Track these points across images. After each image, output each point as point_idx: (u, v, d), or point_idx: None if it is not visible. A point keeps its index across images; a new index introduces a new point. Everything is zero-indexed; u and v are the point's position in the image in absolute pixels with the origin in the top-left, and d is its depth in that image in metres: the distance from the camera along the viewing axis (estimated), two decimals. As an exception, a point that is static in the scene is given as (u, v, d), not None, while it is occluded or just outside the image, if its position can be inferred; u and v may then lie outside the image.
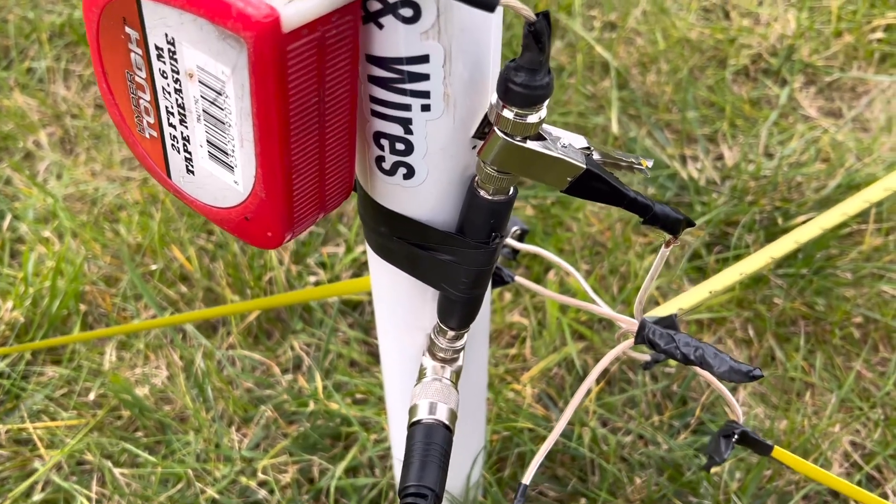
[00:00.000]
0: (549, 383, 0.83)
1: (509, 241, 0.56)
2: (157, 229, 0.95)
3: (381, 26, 0.33)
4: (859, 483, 0.76)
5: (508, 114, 0.35)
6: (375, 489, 0.74)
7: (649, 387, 0.82)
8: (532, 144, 0.36)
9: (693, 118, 1.11)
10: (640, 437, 0.79)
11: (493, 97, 0.35)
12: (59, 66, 1.21)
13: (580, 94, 1.14)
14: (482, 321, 0.53)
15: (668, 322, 0.52)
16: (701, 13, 1.29)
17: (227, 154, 0.35)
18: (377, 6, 0.33)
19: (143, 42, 0.34)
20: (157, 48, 0.34)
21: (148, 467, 0.77)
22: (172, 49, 0.33)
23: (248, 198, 0.36)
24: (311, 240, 0.96)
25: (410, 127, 0.37)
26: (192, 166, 0.38)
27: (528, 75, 0.33)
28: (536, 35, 0.32)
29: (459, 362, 0.48)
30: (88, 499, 0.75)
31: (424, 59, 0.34)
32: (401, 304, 0.48)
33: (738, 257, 0.92)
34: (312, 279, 0.93)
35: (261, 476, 0.76)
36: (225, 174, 0.36)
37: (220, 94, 0.33)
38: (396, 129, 0.37)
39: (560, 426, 0.49)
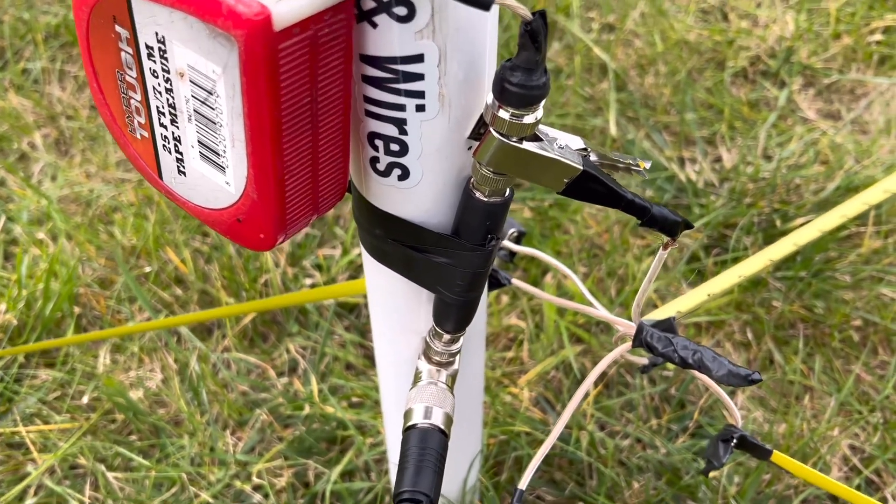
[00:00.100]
0: (546, 387, 0.83)
1: (506, 243, 0.56)
2: (152, 231, 0.94)
3: (374, 25, 0.33)
4: (858, 487, 0.76)
5: (504, 114, 0.34)
6: (371, 493, 0.74)
7: (647, 390, 0.82)
8: (528, 145, 0.35)
9: (691, 120, 1.11)
10: (638, 441, 0.78)
11: (489, 97, 0.35)
12: (54, 67, 1.21)
13: (578, 96, 1.14)
14: (478, 324, 0.52)
15: (667, 325, 0.51)
16: (699, 15, 1.29)
17: (218, 155, 0.35)
18: (371, 4, 0.32)
19: (134, 41, 0.34)
20: (147, 47, 0.33)
21: (142, 471, 0.76)
22: (163, 48, 0.33)
23: (239, 199, 0.35)
24: (308, 242, 0.95)
25: (405, 127, 0.36)
26: (184, 167, 0.37)
27: (524, 75, 0.33)
28: (533, 34, 0.31)
29: (455, 366, 0.47)
30: (81, 503, 0.74)
31: (419, 58, 0.33)
32: (396, 306, 0.48)
33: (736, 260, 0.91)
34: (308, 282, 0.92)
35: (256, 480, 0.75)
36: (216, 175, 0.35)
37: (211, 93, 0.32)
38: (391, 130, 0.36)
39: (557, 429, 0.48)
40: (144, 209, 0.99)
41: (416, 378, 0.47)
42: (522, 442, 0.76)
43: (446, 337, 0.45)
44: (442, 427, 0.43)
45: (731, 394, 0.83)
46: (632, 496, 0.74)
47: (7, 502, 0.74)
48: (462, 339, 0.46)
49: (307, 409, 0.79)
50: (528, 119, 0.34)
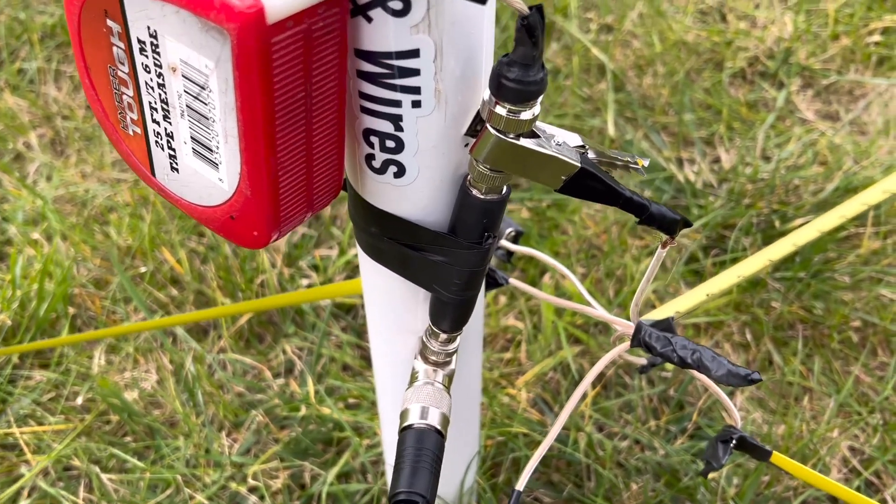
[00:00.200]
0: (544, 388, 0.82)
1: (504, 242, 0.55)
2: (148, 231, 0.94)
3: (369, 19, 0.32)
4: (858, 489, 0.75)
5: (501, 110, 0.34)
6: (368, 495, 0.73)
7: (646, 391, 0.81)
8: (525, 142, 0.35)
9: (690, 121, 1.11)
10: (636, 443, 0.78)
11: (486, 93, 0.34)
12: (50, 67, 1.20)
13: (576, 97, 1.13)
14: (476, 324, 0.52)
15: (665, 325, 0.51)
16: (697, 16, 1.28)
17: (211, 151, 0.34)
18: (366, -2, 0.32)
19: (126, 35, 0.33)
20: (139, 41, 0.33)
21: (136, 473, 0.75)
22: (155, 42, 0.32)
23: (233, 196, 0.35)
24: (304, 242, 0.95)
25: (401, 124, 0.36)
26: (177, 163, 0.37)
27: (521, 70, 0.32)
28: (529, 29, 0.31)
29: (452, 366, 0.47)
30: (75, 505, 0.74)
31: (415, 53, 0.33)
32: (392, 305, 0.47)
33: (734, 260, 0.91)
34: (305, 282, 0.92)
35: (251, 482, 0.74)
36: (210, 171, 0.35)
37: (203, 88, 0.32)
38: (386, 126, 0.36)
39: (555, 431, 0.48)
40: (140, 209, 0.98)
41: (413, 378, 0.46)
42: (520, 443, 0.76)
43: (443, 336, 0.45)
44: (438, 427, 0.43)
45: (731, 395, 0.82)
46: (630, 498, 0.73)
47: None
48: (459, 338, 0.46)
49: (303, 411, 0.79)
50: (526, 115, 0.34)
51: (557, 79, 1.16)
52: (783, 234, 0.93)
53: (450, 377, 0.46)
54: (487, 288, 0.55)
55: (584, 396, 0.80)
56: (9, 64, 1.20)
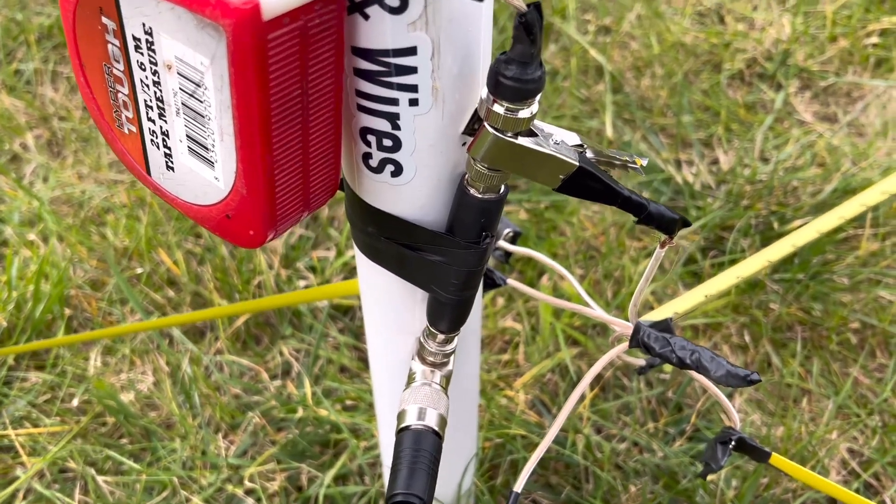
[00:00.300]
0: (542, 389, 0.82)
1: (502, 243, 0.55)
2: (144, 233, 0.93)
3: (366, 17, 0.32)
4: (857, 491, 0.75)
5: (499, 108, 0.34)
6: (365, 497, 0.73)
7: (644, 393, 0.81)
8: (523, 141, 0.35)
9: (688, 122, 1.10)
10: (634, 445, 0.78)
11: (484, 91, 0.34)
12: (46, 68, 1.20)
13: (574, 98, 1.13)
14: (473, 324, 0.52)
15: (664, 326, 0.51)
16: (696, 18, 1.28)
17: (207, 149, 0.34)
18: (362, -5, 0.31)
19: (121, 33, 0.33)
20: (134, 39, 0.33)
21: (132, 475, 0.75)
22: (150, 39, 0.32)
23: (229, 194, 0.34)
24: (301, 244, 0.95)
25: (398, 122, 0.35)
26: (172, 162, 0.36)
27: (519, 68, 0.32)
28: (527, 26, 0.31)
29: (449, 366, 0.46)
30: (71, 507, 0.73)
31: (412, 51, 0.33)
32: (390, 306, 0.47)
33: (733, 262, 0.91)
34: (302, 283, 0.92)
35: (248, 484, 0.74)
36: (205, 170, 0.35)
37: (199, 85, 0.32)
38: (383, 125, 0.36)
39: (552, 432, 0.47)
40: (137, 210, 0.98)
41: (410, 379, 0.46)
42: (518, 445, 0.75)
43: (440, 337, 0.45)
44: (436, 429, 0.42)
45: (729, 396, 0.82)
46: (629, 500, 0.73)
47: (-5, 507, 0.73)
48: (457, 339, 0.46)
49: (300, 413, 0.79)
50: (524, 113, 0.34)
51: (555, 80, 1.16)
52: (781, 235, 0.92)
53: (447, 378, 0.46)
54: (486, 288, 0.54)
55: (583, 398, 0.80)
56: (5, 65, 1.20)
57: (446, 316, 0.43)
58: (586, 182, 0.37)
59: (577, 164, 0.36)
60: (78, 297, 0.90)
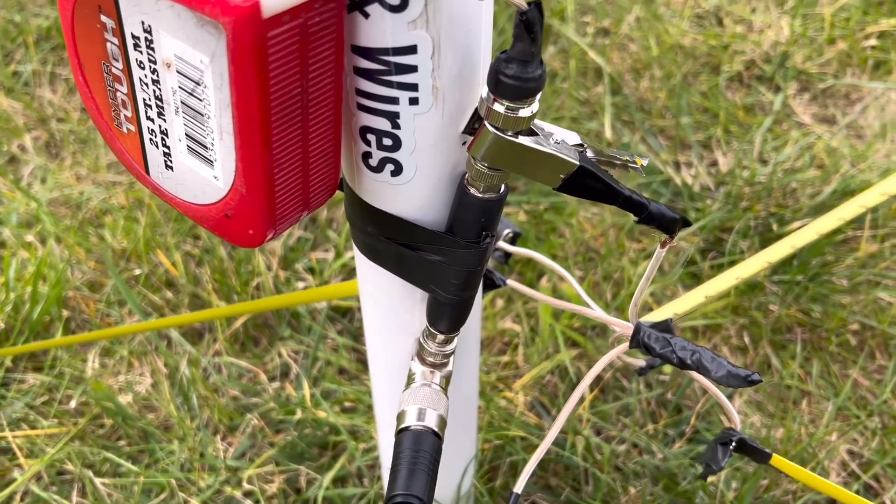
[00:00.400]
0: (541, 391, 0.82)
1: (501, 244, 0.55)
2: (143, 234, 0.93)
3: (366, 15, 0.32)
4: (857, 493, 0.75)
5: (499, 107, 0.34)
6: (364, 499, 0.72)
7: (643, 395, 0.81)
8: (524, 140, 0.35)
9: (687, 124, 1.10)
10: (634, 446, 0.78)
11: (484, 90, 0.34)
12: (45, 70, 1.20)
13: (573, 100, 1.13)
14: (473, 325, 0.51)
15: (664, 326, 0.51)
16: (694, 20, 1.28)
17: (206, 148, 0.34)
18: (363, -7, 0.31)
19: (119, 31, 0.33)
20: (133, 37, 0.33)
21: (130, 477, 0.75)
22: (149, 38, 0.32)
23: (228, 194, 0.34)
24: (300, 245, 0.95)
25: (398, 121, 0.35)
26: (171, 161, 0.36)
27: (519, 67, 0.32)
28: (528, 25, 0.31)
29: (449, 367, 0.46)
30: (69, 509, 0.73)
31: (412, 49, 0.33)
32: (389, 306, 0.47)
33: (732, 263, 0.91)
34: (301, 285, 0.91)
35: (246, 486, 0.74)
36: (204, 169, 0.35)
37: (198, 84, 0.31)
38: (383, 124, 0.36)
39: (552, 434, 0.47)
40: (135, 212, 0.98)
41: (410, 380, 0.46)
42: (517, 447, 0.75)
43: (440, 337, 0.44)
44: (436, 429, 0.42)
45: (729, 397, 0.82)
46: (628, 502, 0.73)
47: (-8, 509, 0.73)
48: (456, 339, 0.45)
49: (299, 414, 0.78)
50: (524, 112, 0.34)
51: (554, 82, 1.16)
52: (780, 237, 0.92)
53: (447, 379, 0.46)
54: (485, 289, 0.54)
55: (582, 400, 0.80)
56: (4, 66, 1.20)
57: (446, 316, 0.43)
58: (587, 181, 0.37)
59: (578, 163, 0.36)
60: (76, 299, 0.90)
